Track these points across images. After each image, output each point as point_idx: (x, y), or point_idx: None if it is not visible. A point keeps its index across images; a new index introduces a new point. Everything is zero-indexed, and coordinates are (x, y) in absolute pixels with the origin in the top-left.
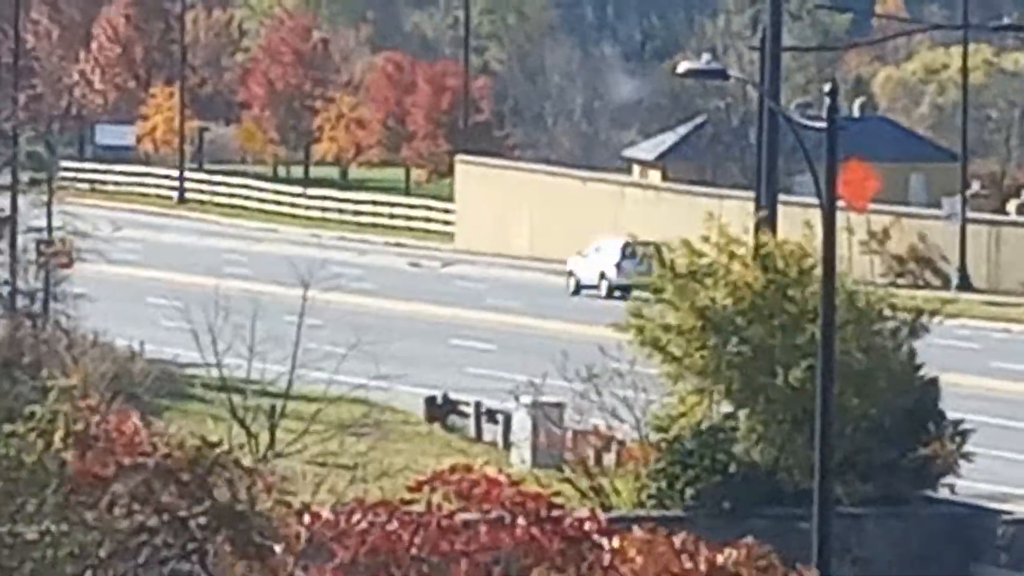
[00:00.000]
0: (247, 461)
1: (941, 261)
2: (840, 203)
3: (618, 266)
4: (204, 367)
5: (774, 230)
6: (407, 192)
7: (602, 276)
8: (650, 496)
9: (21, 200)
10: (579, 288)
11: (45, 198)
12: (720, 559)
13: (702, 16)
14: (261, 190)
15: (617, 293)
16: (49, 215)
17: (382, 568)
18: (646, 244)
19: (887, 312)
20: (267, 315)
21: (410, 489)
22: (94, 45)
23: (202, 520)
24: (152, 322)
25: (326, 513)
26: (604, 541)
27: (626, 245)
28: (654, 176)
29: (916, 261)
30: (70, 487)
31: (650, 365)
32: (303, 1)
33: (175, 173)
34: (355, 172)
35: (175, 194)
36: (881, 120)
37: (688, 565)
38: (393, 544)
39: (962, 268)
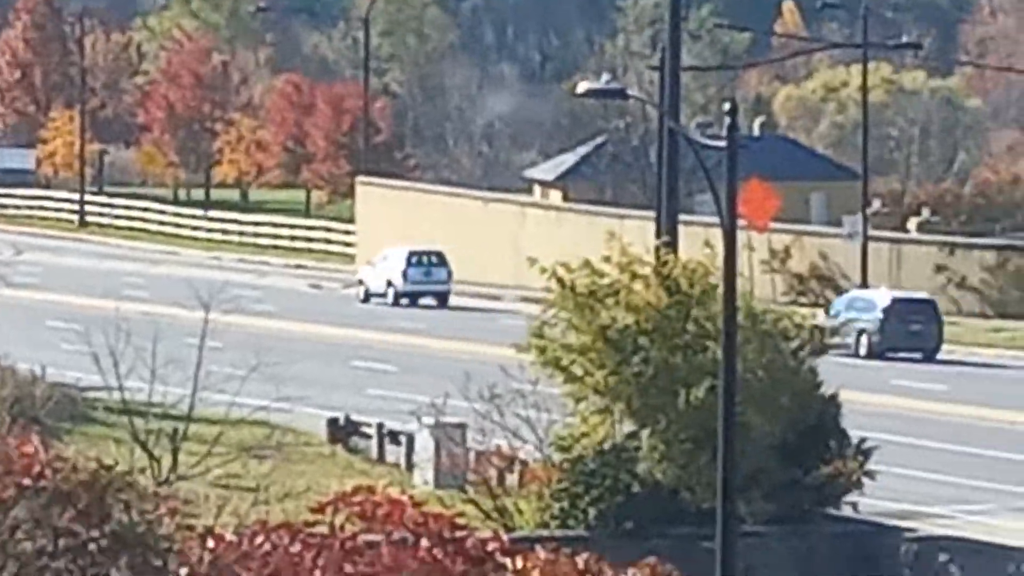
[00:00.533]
0: (150, 484)
1: (842, 279)
2: (741, 222)
3: (404, 274)
4: (106, 390)
5: (675, 250)
6: (307, 214)
7: (389, 284)
8: (553, 516)
9: None
10: (368, 296)
11: None
12: None
13: (601, 36)
14: (162, 212)
15: (403, 300)
16: None
17: None
18: (429, 253)
19: (789, 331)
20: (168, 338)
21: (313, 511)
22: None
23: (102, 543)
24: (53, 345)
25: (229, 536)
26: (507, 562)
27: (411, 254)
28: (555, 196)
29: (817, 279)
30: None
31: (552, 385)
32: (202, 24)
33: (75, 196)
34: (255, 194)
35: (76, 217)
36: (781, 139)
37: None
38: (296, 566)
39: (863, 286)
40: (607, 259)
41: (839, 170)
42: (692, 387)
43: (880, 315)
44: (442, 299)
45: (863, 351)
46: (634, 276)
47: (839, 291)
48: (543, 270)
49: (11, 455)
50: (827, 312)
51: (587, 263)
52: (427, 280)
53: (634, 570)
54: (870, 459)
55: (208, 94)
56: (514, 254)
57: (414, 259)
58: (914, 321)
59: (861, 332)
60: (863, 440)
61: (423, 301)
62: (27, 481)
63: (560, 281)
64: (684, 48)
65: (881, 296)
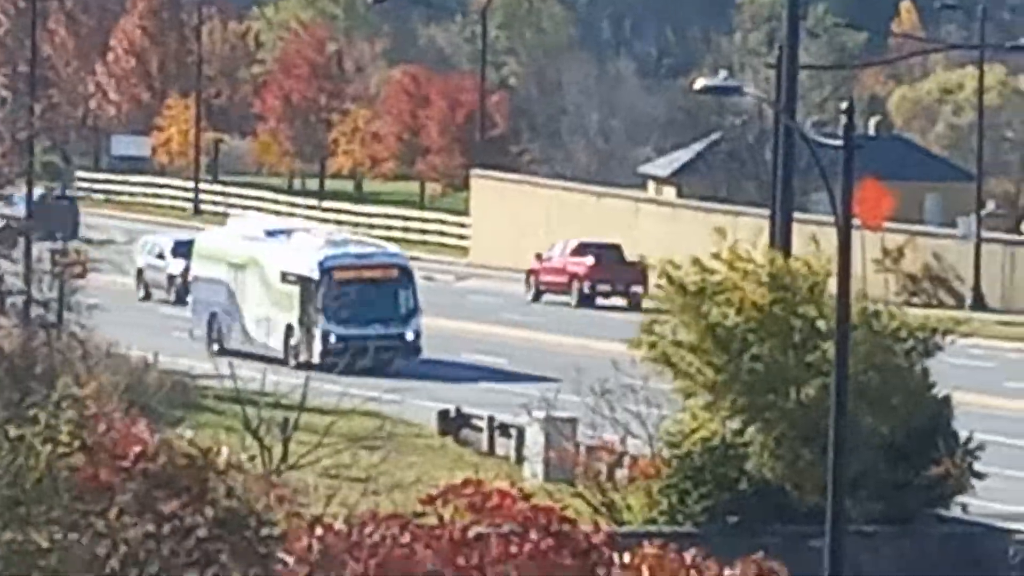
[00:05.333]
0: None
1: (955, 280)
2: (855, 222)
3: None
4: (217, 378)
5: (788, 248)
6: (421, 206)
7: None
8: (661, 512)
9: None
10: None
11: None
12: (729, 574)
13: (718, 33)
14: (276, 202)
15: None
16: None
17: None
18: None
19: (902, 332)
20: None
21: (422, 502)
22: (110, 56)
23: (207, 528)
24: (166, 333)
25: (338, 525)
26: (615, 556)
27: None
28: (669, 192)
29: (930, 280)
30: (77, 494)
31: (662, 381)
32: (319, 13)
33: (190, 184)
34: (370, 185)
35: (190, 205)
36: (896, 139)
37: None
38: (406, 557)
39: (976, 288)
40: (716, 256)
41: (954, 171)
42: (802, 385)
43: None
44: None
45: None
46: (744, 274)
47: (952, 292)
48: (651, 267)
49: (118, 441)
50: None
51: (696, 260)
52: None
53: (740, 566)
54: (979, 460)
55: (323, 84)
56: (628, 250)
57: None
58: None
59: None
60: (970, 440)
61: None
62: (128, 464)
63: (669, 278)
64: (801, 46)
65: None
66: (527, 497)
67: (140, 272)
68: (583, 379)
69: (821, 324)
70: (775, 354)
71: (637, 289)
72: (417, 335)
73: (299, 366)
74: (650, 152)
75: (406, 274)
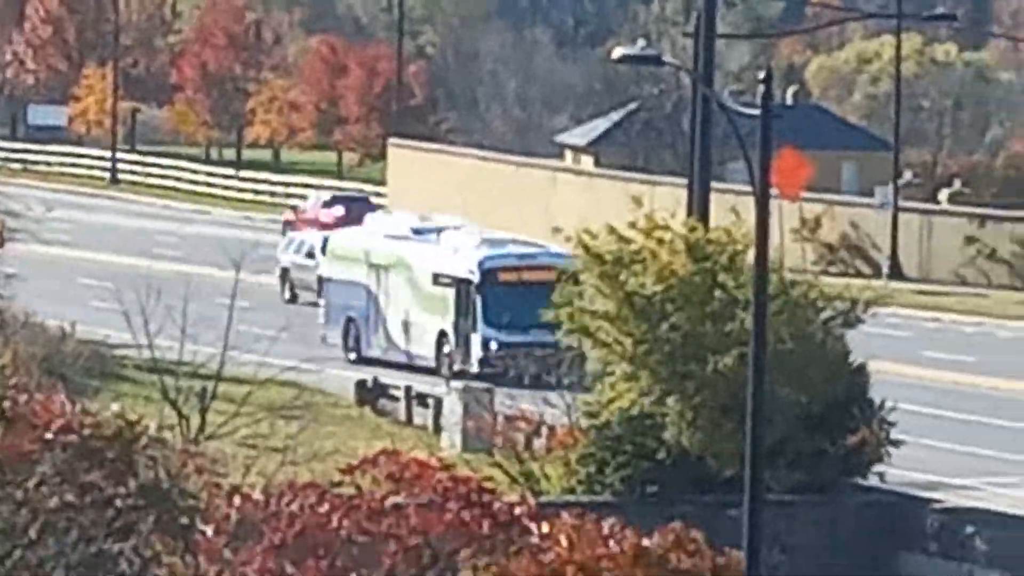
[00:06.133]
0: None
1: (872, 250)
2: (773, 191)
3: None
4: (136, 348)
5: (707, 217)
6: (339, 175)
7: None
8: (579, 481)
9: None
10: None
11: None
12: (647, 544)
13: (635, 2)
14: (194, 172)
15: None
16: None
17: (311, 550)
18: None
19: (820, 302)
20: (198, 297)
21: (341, 472)
22: (27, 25)
23: (128, 499)
24: (83, 303)
25: (257, 495)
26: (533, 526)
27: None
28: (586, 162)
29: (847, 249)
30: None
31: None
32: None
33: (107, 154)
34: (287, 155)
35: (107, 175)
36: (814, 108)
37: (615, 549)
38: (323, 526)
39: (893, 257)
40: (633, 225)
41: (871, 140)
42: (720, 355)
43: None
44: None
45: None
46: (660, 243)
47: (869, 261)
48: (568, 238)
49: (37, 410)
50: None
51: (612, 229)
52: None
53: (658, 535)
54: (894, 429)
55: (241, 54)
56: (545, 219)
57: None
58: None
59: None
60: (883, 406)
61: None
62: (51, 436)
63: (585, 247)
64: (718, 15)
65: None
66: (446, 467)
67: (285, 272)
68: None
69: (740, 294)
70: (694, 324)
71: None
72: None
73: (454, 375)
74: (567, 121)
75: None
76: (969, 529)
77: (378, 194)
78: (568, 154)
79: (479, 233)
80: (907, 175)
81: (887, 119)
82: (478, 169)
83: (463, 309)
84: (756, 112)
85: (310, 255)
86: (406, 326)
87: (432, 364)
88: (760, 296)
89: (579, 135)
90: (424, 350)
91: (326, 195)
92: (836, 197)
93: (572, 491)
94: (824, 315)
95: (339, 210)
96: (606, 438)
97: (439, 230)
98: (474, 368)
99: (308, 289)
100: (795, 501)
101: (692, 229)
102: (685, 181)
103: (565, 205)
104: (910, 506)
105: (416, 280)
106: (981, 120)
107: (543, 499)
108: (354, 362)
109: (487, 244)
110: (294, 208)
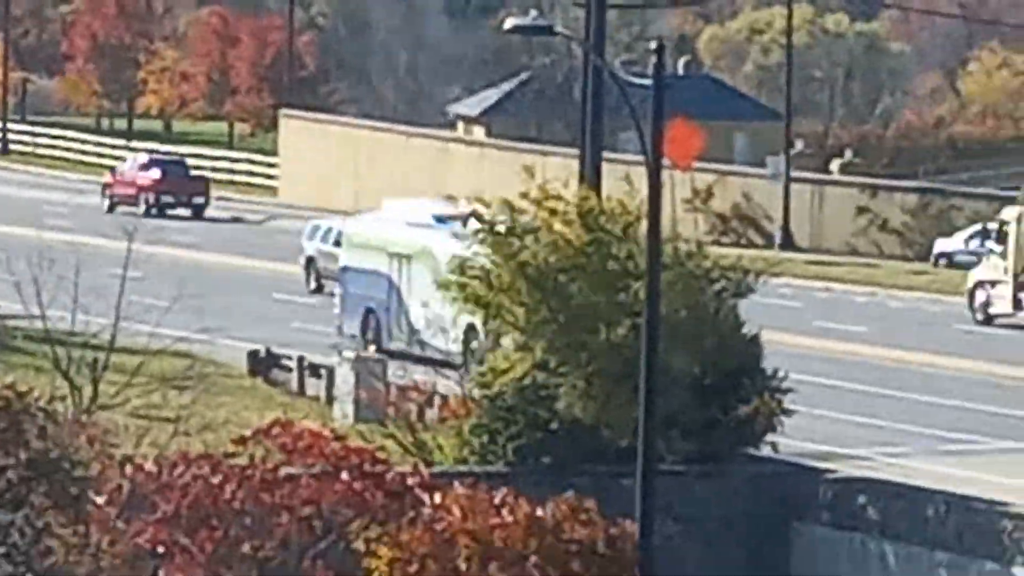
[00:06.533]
0: (70, 413)
1: (764, 220)
2: (665, 161)
3: None
4: (27, 319)
5: (599, 187)
6: (231, 146)
7: None
8: (472, 452)
9: None
10: None
11: None
12: (540, 513)
13: None
14: (84, 142)
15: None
16: None
17: (204, 520)
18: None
19: (712, 272)
20: (90, 267)
21: (233, 443)
22: None
23: (19, 470)
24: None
25: (149, 465)
26: (426, 496)
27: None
28: (478, 132)
29: (739, 220)
30: None
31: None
32: None
33: None
34: (179, 125)
35: None
36: (706, 79)
37: (508, 519)
38: (216, 497)
39: (785, 227)
40: (525, 196)
41: (763, 111)
42: (613, 325)
43: None
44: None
45: None
46: (553, 213)
47: (761, 231)
48: (459, 208)
49: None
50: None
51: (505, 201)
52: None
53: (552, 505)
54: (787, 399)
55: (132, 23)
56: (437, 189)
57: None
58: None
59: None
60: (776, 376)
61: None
62: None
63: (478, 217)
64: None
65: None
66: (338, 438)
67: (310, 261)
68: None
69: (632, 264)
70: (587, 294)
71: (199, 200)
72: None
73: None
74: (459, 92)
75: None
76: (861, 499)
77: (270, 164)
78: (460, 124)
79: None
80: (799, 145)
81: (779, 89)
82: (370, 139)
83: None
84: (648, 82)
85: (338, 243)
86: (431, 319)
87: (459, 360)
88: (653, 266)
89: (471, 105)
90: (450, 344)
91: (143, 157)
92: (728, 167)
93: (465, 461)
94: (717, 286)
95: (155, 173)
96: (499, 408)
97: (465, 218)
98: None
99: (335, 279)
100: (688, 471)
101: (585, 199)
102: (577, 151)
103: (457, 175)
104: (803, 476)
105: (442, 271)
106: (872, 91)
107: (436, 469)
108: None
109: None
110: (112, 170)
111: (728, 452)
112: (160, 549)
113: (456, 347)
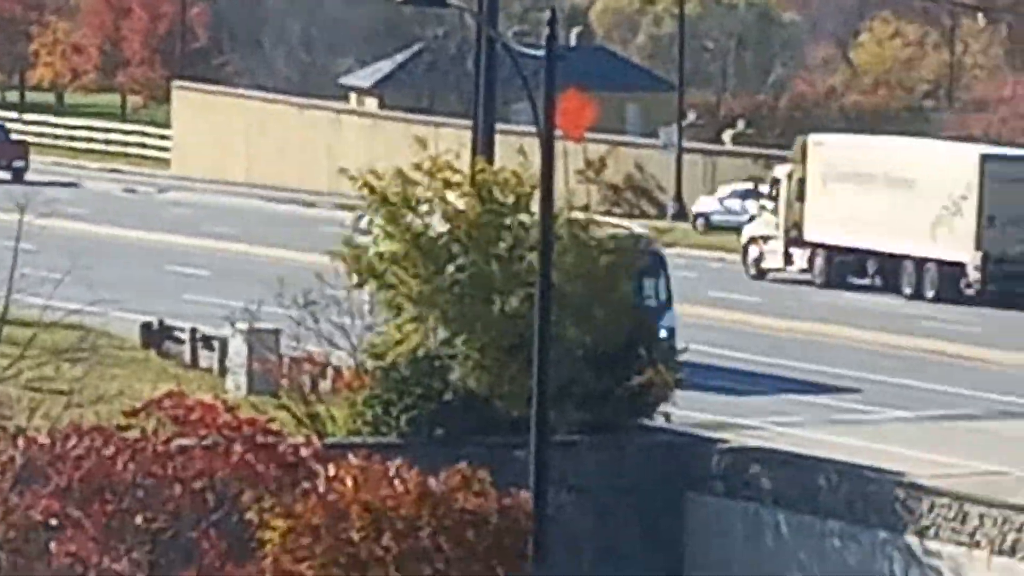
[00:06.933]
0: None
1: (657, 190)
2: (557, 132)
3: None
4: None
5: (492, 158)
6: (123, 118)
7: None
8: (365, 423)
9: None
10: None
11: None
12: (433, 484)
13: None
14: None
15: None
16: None
17: (97, 493)
18: None
19: (606, 243)
20: None
21: (126, 415)
22: None
23: None
24: None
25: (42, 438)
26: (319, 467)
27: None
28: (371, 104)
29: (632, 190)
30: None
31: (367, 292)
32: None
33: None
34: (71, 98)
35: None
36: (598, 50)
37: (401, 490)
38: (108, 469)
39: (678, 197)
40: (418, 167)
41: (655, 81)
42: (507, 296)
43: None
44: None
45: None
46: (447, 185)
47: (654, 202)
48: (353, 179)
49: None
50: None
51: (399, 172)
52: None
53: (445, 476)
54: (680, 369)
55: None
56: (330, 161)
57: None
58: None
59: None
60: (675, 350)
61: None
62: None
63: (371, 189)
64: None
65: None
66: (231, 409)
67: None
68: (286, 291)
69: (525, 235)
70: (480, 265)
71: (20, 164)
72: (671, 333)
73: None
74: (352, 63)
75: (657, 259)
76: (754, 469)
77: (163, 136)
78: (352, 96)
79: None
80: (691, 116)
81: (671, 60)
82: (263, 111)
83: None
84: (540, 53)
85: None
86: None
87: None
88: (546, 236)
89: (363, 77)
90: None
91: None
92: (621, 138)
93: (358, 433)
94: (610, 256)
95: None
96: (392, 380)
97: None
98: None
99: None
100: (582, 441)
101: (478, 171)
102: (470, 123)
103: (350, 147)
104: (696, 446)
105: None
106: (764, 61)
107: (329, 441)
108: None
109: None
110: None
111: (622, 423)
112: (53, 521)
113: None
